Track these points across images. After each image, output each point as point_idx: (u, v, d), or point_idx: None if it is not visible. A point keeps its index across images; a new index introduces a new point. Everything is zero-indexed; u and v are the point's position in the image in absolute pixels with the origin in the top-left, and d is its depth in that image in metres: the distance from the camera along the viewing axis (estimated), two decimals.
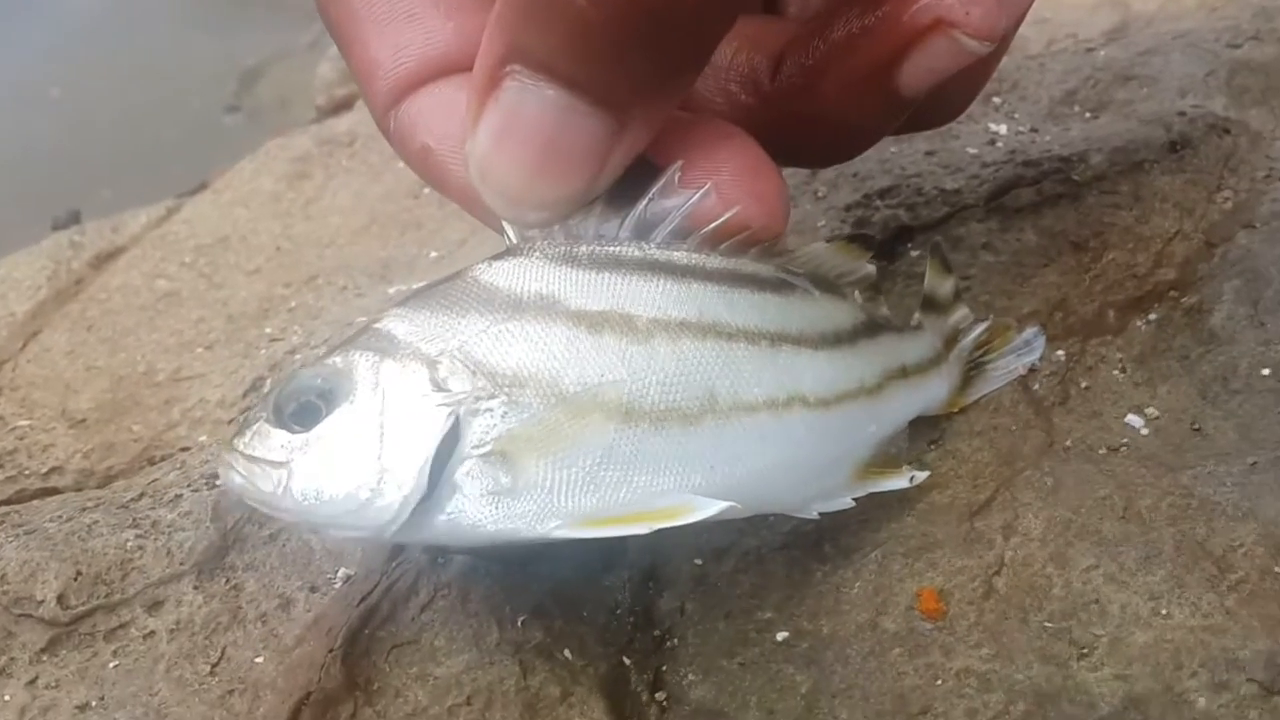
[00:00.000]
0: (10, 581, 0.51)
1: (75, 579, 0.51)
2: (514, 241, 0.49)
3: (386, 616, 0.52)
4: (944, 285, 0.60)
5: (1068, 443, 0.58)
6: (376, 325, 0.47)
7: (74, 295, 0.85)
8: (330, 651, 0.50)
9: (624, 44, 0.41)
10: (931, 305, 0.60)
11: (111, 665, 0.49)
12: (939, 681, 0.50)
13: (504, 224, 0.49)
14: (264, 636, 0.51)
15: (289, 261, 0.84)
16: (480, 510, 0.45)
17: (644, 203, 0.48)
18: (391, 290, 0.77)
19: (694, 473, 0.47)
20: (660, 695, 0.53)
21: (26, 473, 0.65)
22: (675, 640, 0.54)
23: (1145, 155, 0.69)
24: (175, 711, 0.48)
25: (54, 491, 0.64)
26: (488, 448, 0.45)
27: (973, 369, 0.60)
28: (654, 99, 0.45)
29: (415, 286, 0.69)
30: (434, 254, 0.82)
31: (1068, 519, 0.54)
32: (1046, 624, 0.51)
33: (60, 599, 0.51)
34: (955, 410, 0.59)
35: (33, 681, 0.49)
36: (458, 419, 0.44)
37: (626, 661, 0.53)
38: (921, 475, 0.55)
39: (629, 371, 0.46)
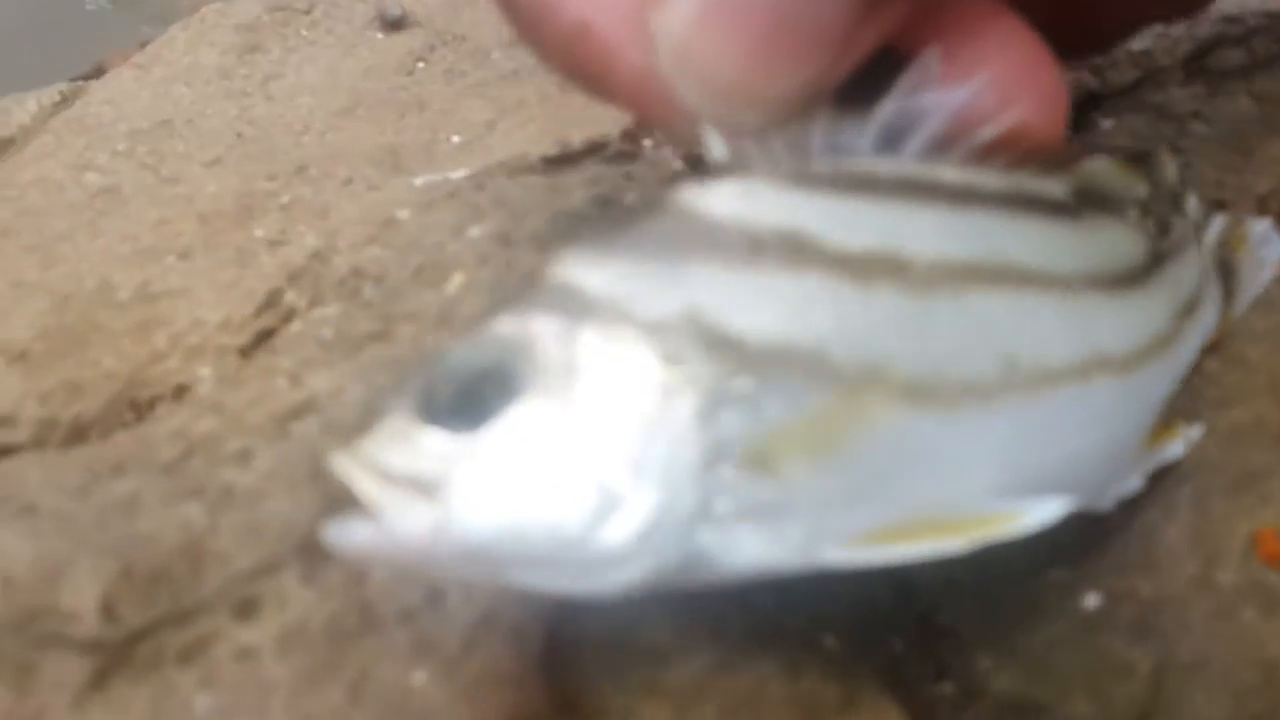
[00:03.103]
0: (19, 588, 0.34)
1: (123, 577, 0.34)
2: (719, 155, 0.35)
3: (583, 607, 0.37)
4: (1172, 169, 0.49)
5: None
6: (555, 275, 0.32)
7: None
8: (526, 661, 0.35)
9: None
10: (1175, 202, 0.48)
11: (201, 702, 0.33)
12: None
13: (705, 131, 0.35)
14: (416, 644, 0.36)
15: (258, 150, 0.67)
16: (736, 539, 0.31)
17: (893, 101, 0.34)
18: (418, 182, 0.61)
19: (994, 466, 0.35)
20: (947, 688, 0.40)
21: None
22: (947, 615, 0.41)
23: None
24: None
25: (6, 450, 0.46)
26: (742, 450, 0.31)
27: (1224, 274, 0.49)
28: None
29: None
30: (455, 138, 0.66)
31: None
32: None
33: (105, 609, 0.34)
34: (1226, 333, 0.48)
35: None
36: (701, 412, 0.30)
37: (897, 647, 0.40)
38: (1196, 431, 0.44)
39: (912, 336, 0.33)
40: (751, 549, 0.31)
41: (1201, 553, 0.42)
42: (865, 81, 0.35)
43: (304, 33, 0.77)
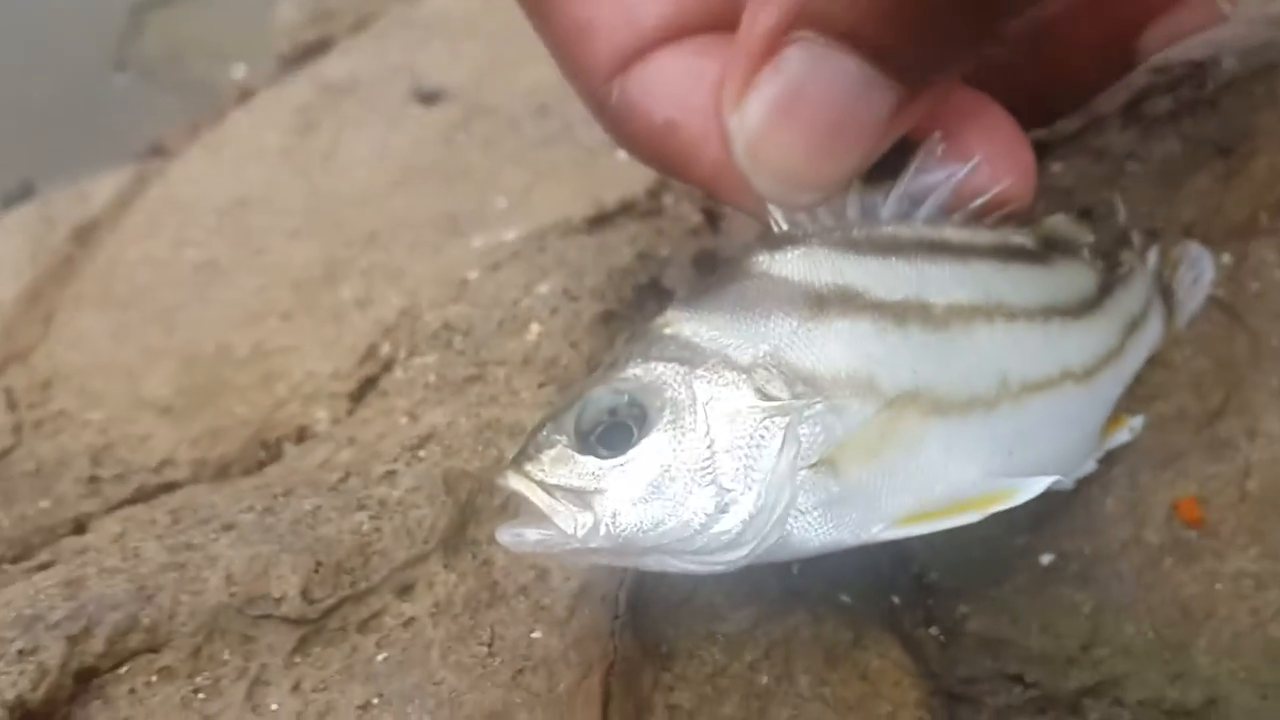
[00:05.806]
0: (239, 580, 0.48)
1: (316, 570, 0.49)
2: (782, 226, 0.48)
3: (656, 577, 0.51)
4: (1121, 212, 0.63)
5: (1274, 342, 0.62)
6: (668, 331, 0.46)
7: (72, 273, 0.79)
8: (615, 618, 0.49)
9: (941, 5, 0.39)
10: (1124, 238, 0.62)
11: (379, 658, 0.47)
12: (1217, 586, 0.54)
13: (770, 208, 0.48)
14: (531, 610, 0.50)
15: (330, 221, 0.81)
16: (812, 524, 0.45)
17: (908, 178, 0.48)
18: (477, 244, 0.75)
19: (996, 458, 0.49)
20: (934, 630, 0.54)
21: (135, 468, 0.61)
22: (934, 574, 0.56)
23: (1276, 56, 0.73)
24: (471, 698, 0.46)
25: (173, 486, 0.60)
26: (816, 457, 0.45)
27: (1165, 294, 0.63)
28: (955, 68, 0.44)
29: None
30: (502, 203, 0.80)
31: None
32: None
33: (304, 594, 0.48)
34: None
35: (296, 687, 0.46)
36: (788, 432, 0.44)
37: (895, 600, 0.55)
38: (1139, 422, 0.58)
39: (935, 363, 0.47)
40: (823, 532, 0.45)
41: (1133, 518, 0.56)
42: (883, 161, 0.47)
43: (352, 110, 0.91)
